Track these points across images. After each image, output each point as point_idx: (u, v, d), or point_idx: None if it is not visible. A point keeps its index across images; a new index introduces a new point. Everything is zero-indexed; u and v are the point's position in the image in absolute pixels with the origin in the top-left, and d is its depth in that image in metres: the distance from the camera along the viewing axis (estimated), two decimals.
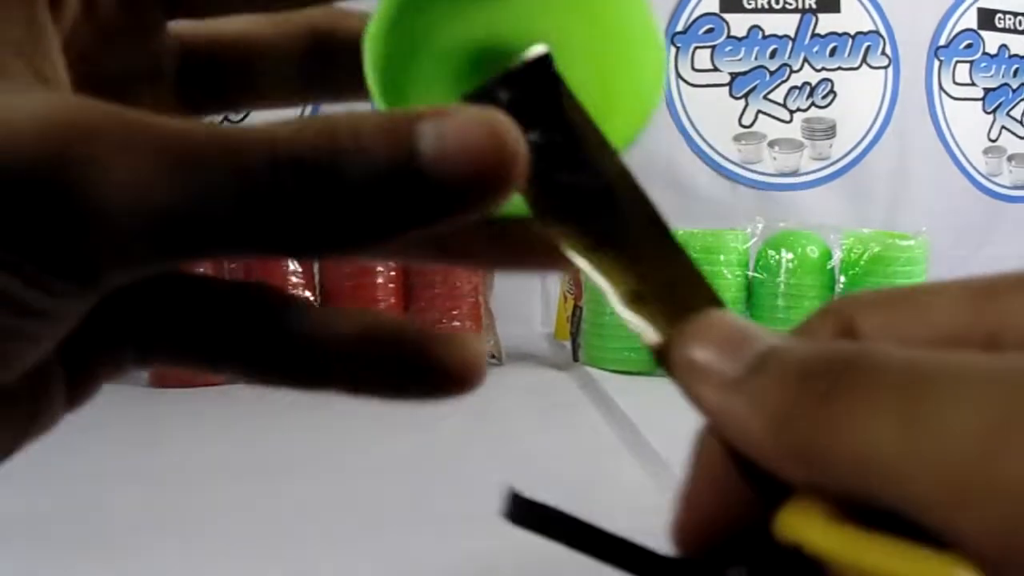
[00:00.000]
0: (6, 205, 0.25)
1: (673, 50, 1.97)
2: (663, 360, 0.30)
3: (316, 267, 1.46)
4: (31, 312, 0.27)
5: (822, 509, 0.25)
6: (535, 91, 0.32)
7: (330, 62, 0.38)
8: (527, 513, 0.31)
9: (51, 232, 0.25)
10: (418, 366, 0.35)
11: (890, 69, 2.03)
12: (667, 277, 0.31)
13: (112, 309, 0.33)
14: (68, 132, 0.25)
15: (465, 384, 0.36)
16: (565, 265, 0.33)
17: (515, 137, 0.27)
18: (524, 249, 0.37)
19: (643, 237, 0.32)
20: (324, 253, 0.29)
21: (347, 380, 0.35)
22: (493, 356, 1.46)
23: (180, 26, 0.36)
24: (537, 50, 0.32)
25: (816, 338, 0.31)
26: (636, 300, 0.31)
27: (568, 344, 1.52)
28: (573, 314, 1.50)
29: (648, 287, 0.31)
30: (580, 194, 0.32)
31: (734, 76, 2.01)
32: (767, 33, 2.02)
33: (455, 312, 1.43)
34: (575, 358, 1.49)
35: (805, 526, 0.26)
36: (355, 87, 0.34)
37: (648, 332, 0.31)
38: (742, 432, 0.27)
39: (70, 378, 0.34)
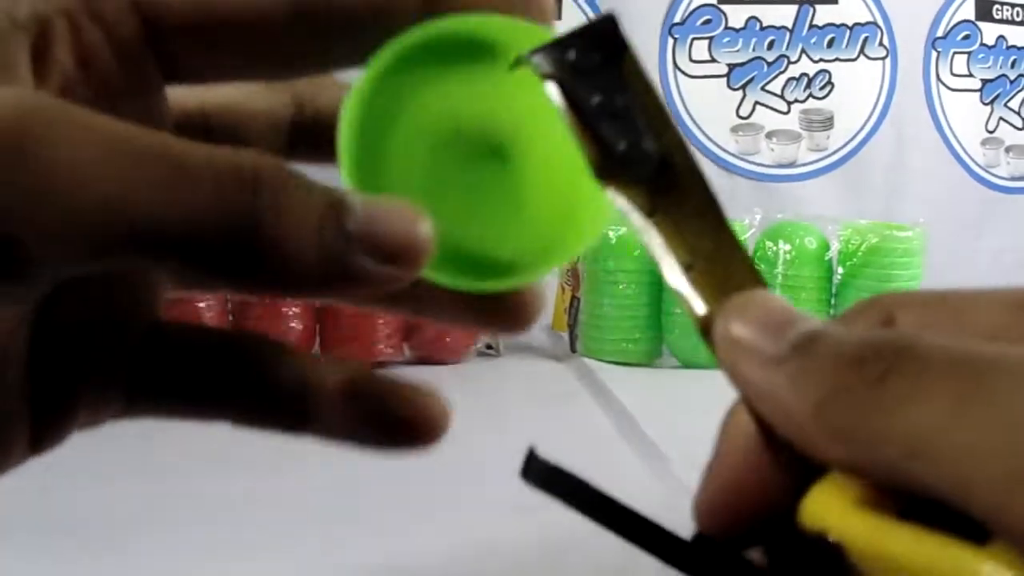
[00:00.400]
0: None
1: (671, 41, 1.97)
2: (706, 334, 0.30)
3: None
4: None
5: (852, 494, 0.26)
6: (601, 52, 0.32)
7: (312, 131, 0.39)
8: (545, 475, 0.31)
9: None
10: (390, 421, 0.36)
11: (888, 60, 2.03)
12: (716, 253, 0.31)
13: (97, 357, 0.34)
14: (6, 117, 0.26)
15: (428, 440, 0.37)
16: (522, 326, 0.37)
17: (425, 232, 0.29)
18: (483, 308, 0.38)
19: (696, 210, 0.32)
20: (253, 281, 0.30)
21: (329, 429, 0.37)
22: (491, 347, 1.46)
23: (171, 92, 0.36)
24: (605, 13, 0.33)
25: (858, 328, 0.31)
26: (686, 271, 0.31)
27: (566, 335, 1.52)
28: (571, 305, 1.50)
29: (698, 260, 0.31)
30: (639, 160, 0.32)
31: (732, 67, 2.01)
32: (765, 24, 2.01)
33: None
34: (573, 349, 1.49)
35: (830, 510, 0.26)
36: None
37: (696, 304, 0.31)
38: (781, 409, 0.27)
39: (36, 420, 0.34)
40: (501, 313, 0.38)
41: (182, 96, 0.37)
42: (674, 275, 0.31)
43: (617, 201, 0.32)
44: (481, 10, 0.33)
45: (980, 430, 0.23)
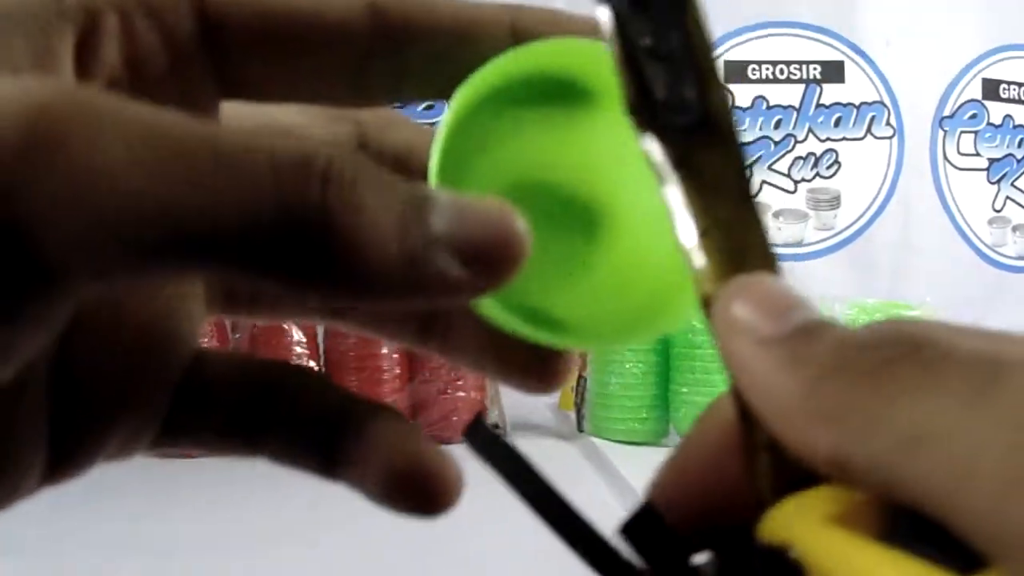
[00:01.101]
0: None
1: None
2: (707, 308, 0.28)
3: (320, 337, 1.47)
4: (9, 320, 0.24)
5: (826, 510, 0.23)
6: None
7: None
8: (487, 443, 0.30)
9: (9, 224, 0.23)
10: (416, 482, 0.33)
11: (894, 139, 2.04)
12: (735, 224, 0.30)
13: (132, 388, 0.31)
14: (35, 114, 0.23)
15: (443, 508, 0.34)
16: (547, 388, 0.33)
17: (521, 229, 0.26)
18: (511, 360, 0.35)
19: (724, 178, 0.30)
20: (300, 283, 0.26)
21: (360, 476, 0.34)
22: (497, 426, 1.46)
23: (226, 108, 0.33)
24: None
25: None
26: (701, 235, 0.29)
27: (573, 414, 1.52)
28: (577, 384, 1.50)
29: (714, 228, 0.29)
30: (677, 109, 0.30)
31: None
32: (771, 103, 2.03)
33: (459, 382, 1.43)
34: (580, 428, 1.49)
35: (798, 524, 0.24)
36: None
37: (703, 279, 0.29)
38: (770, 389, 0.25)
39: (56, 449, 0.31)
40: (529, 368, 0.35)
41: (237, 114, 0.34)
42: (688, 237, 0.29)
43: (648, 145, 0.30)
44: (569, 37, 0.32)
45: (990, 426, 0.21)
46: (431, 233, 0.25)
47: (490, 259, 0.26)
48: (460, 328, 0.34)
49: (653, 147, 0.30)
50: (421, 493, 0.33)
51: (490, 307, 0.31)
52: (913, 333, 0.23)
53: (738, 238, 0.29)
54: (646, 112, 0.30)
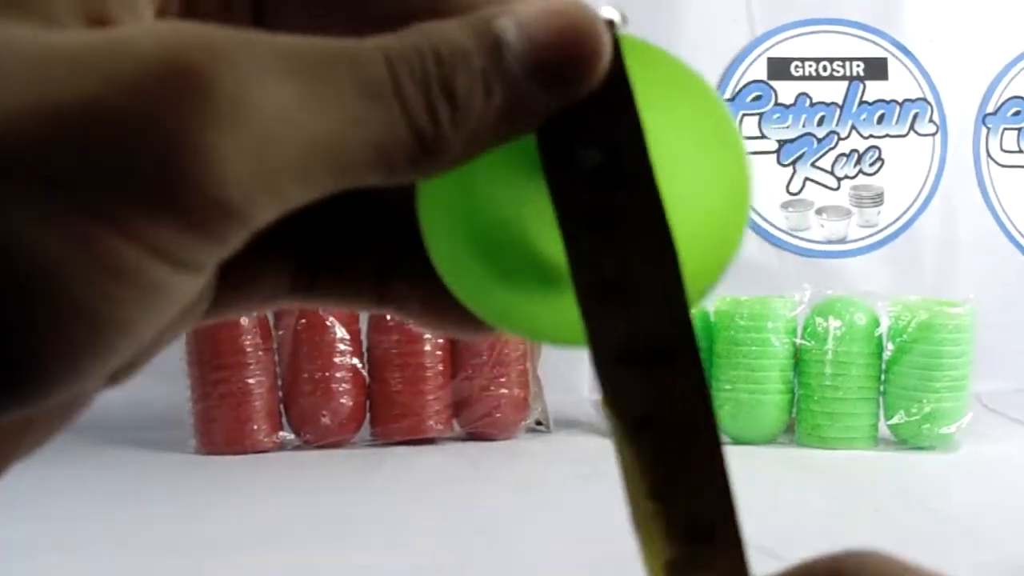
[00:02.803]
0: (132, 150, 0.22)
1: None
2: None
3: (364, 334, 1.48)
4: (180, 263, 0.24)
5: None
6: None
7: None
8: None
9: (196, 166, 0.23)
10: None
11: (938, 136, 2.03)
12: (694, 491, 0.28)
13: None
14: (195, 57, 0.23)
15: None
16: (483, 333, 0.33)
17: (591, 13, 0.26)
18: (450, 312, 0.34)
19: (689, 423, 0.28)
20: (436, 162, 0.27)
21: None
22: (540, 423, 1.47)
23: None
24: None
25: None
26: (653, 499, 0.28)
27: None
28: None
29: (671, 492, 0.28)
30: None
31: (782, 143, 2.02)
32: (815, 100, 2.03)
33: (502, 379, 1.44)
34: None
35: None
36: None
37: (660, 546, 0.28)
38: None
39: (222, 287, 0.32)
40: (464, 319, 0.34)
41: None
42: (636, 504, 0.28)
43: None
44: None
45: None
46: (510, 71, 0.26)
47: (572, 71, 0.26)
48: (406, 296, 0.34)
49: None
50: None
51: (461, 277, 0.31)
52: None
53: (695, 507, 0.28)
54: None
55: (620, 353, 0.28)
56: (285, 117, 0.24)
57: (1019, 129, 2.06)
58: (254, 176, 0.23)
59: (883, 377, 1.43)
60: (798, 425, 1.44)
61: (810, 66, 2.03)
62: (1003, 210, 2.04)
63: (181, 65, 0.23)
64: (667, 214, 0.27)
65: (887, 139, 2.03)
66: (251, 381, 1.37)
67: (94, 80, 0.22)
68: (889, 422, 1.42)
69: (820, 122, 2.03)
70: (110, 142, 0.22)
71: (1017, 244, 2.05)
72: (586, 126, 0.27)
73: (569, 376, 1.75)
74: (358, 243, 0.35)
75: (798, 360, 1.44)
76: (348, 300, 0.36)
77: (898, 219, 2.02)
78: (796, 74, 2.03)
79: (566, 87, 0.26)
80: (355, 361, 1.45)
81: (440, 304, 0.34)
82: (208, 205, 0.23)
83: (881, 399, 1.44)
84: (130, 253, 0.23)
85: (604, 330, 0.28)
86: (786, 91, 2.02)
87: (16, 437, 0.29)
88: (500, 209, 0.32)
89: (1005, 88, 2.06)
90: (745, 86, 2.01)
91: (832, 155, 2.02)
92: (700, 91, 0.30)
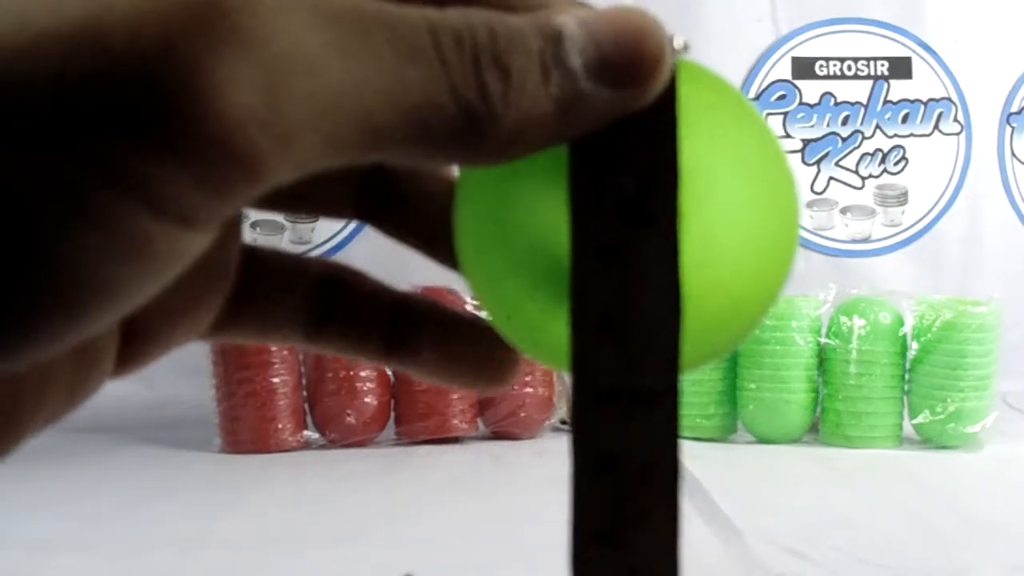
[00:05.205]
0: (146, 100, 0.20)
1: None
2: None
3: None
4: (169, 213, 0.21)
5: None
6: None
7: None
8: None
9: (192, 97, 0.20)
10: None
11: (962, 135, 2.03)
12: None
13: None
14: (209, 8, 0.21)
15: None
16: (501, 384, 0.33)
17: (654, 19, 0.25)
18: (465, 360, 0.35)
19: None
20: (492, 153, 0.26)
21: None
22: (565, 422, 1.47)
23: None
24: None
25: None
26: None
27: None
28: None
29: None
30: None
31: (806, 142, 2.02)
32: (839, 100, 2.02)
33: (528, 378, 1.44)
34: None
35: None
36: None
37: None
38: None
39: (128, 338, 0.30)
40: (481, 369, 0.34)
41: None
42: (581, 544, 0.28)
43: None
44: None
45: None
46: (570, 69, 0.25)
47: (635, 73, 0.25)
48: (419, 344, 0.34)
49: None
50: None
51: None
52: None
53: (640, 560, 0.28)
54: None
55: (602, 389, 0.27)
56: (307, 60, 0.22)
57: None
58: (265, 119, 0.21)
59: (907, 376, 1.43)
60: (822, 424, 1.44)
61: (835, 65, 2.03)
62: None
63: (219, 15, 0.21)
64: (682, 259, 0.27)
65: (911, 138, 2.03)
66: (276, 380, 1.38)
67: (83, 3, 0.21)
68: (914, 421, 1.42)
69: (844, 121, 2.03)
70: (93, 66, 0.20)
71: None
72: (623, 153, 0.27)
73: None
74: (372, 291, 0.35)
75: (823, 359, 1.44)
76: (354, 347, 0.35)
77: (922, 218, 2.02)
78: (821, 73, 2.02)
79: (625, 89, 0.25)
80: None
81: (456, 351, 0.34)
82: (205, 144, 0.21)
83: (905, 398, 1.44)
84: (108, 194, 0.21)
85: (590, 363, 0.27)
86: (811, 90, 2.02)
87: (30, 411, 0.27)
88: (542, 229, 0.30)
89: None
90: (770, 85, 2.01)
91: (856, 154, 2.02)
92: (752, 120, 0.30)
